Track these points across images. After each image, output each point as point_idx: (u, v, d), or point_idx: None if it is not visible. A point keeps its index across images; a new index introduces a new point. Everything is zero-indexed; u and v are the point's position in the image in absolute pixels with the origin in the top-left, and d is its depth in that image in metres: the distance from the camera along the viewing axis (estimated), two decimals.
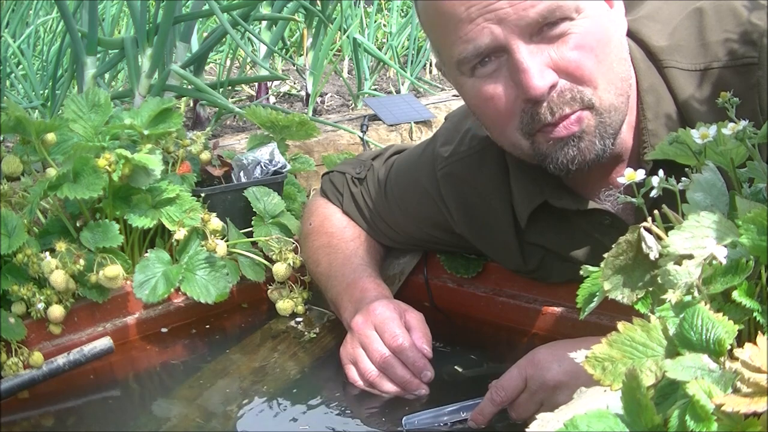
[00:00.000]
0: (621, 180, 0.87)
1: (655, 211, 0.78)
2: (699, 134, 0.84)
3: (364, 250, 1.64)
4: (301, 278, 1.76)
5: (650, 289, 0.77)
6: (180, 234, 1.63)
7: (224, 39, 3.01)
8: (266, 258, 1.76)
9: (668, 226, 0.77)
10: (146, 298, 1.60)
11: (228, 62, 3.04)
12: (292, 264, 1.72)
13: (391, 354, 1.38)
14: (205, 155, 1.87)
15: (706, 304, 0.70)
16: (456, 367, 1.47)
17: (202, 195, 1.75)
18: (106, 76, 2.68)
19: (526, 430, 0.70)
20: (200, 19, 3.04)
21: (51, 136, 1.66)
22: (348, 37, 3.39)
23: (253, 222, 1.79)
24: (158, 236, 1.70)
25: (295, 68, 3.36)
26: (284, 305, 1.71)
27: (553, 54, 1.19)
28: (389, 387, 1.38)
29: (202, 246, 1.65)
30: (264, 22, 2.97)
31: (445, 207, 1.54)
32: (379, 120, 2.79)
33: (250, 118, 1.99)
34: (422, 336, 1.40)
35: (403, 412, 1.32)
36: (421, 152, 1.59)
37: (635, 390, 0.64)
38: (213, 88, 2.50)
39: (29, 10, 3.49)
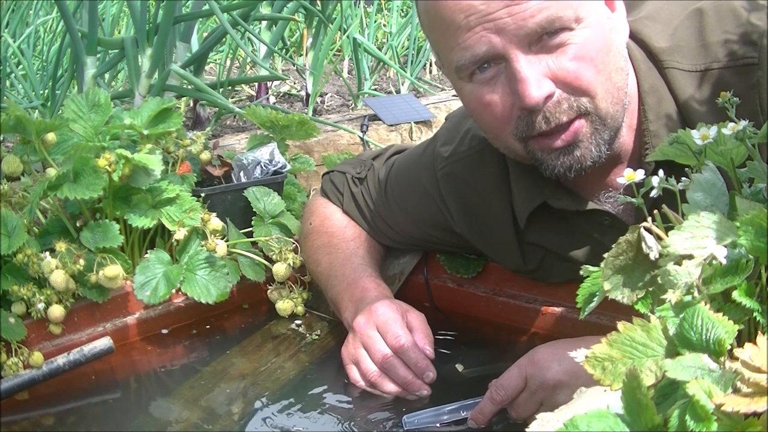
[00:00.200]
0: (621, 180, 0.87)
1: (655, 211, 0.78)
2: (699, 135, 0.84)
3: (365, 249, 1.64)
4: (301, 278, 1.76)
5: (650, 289, 0.77)
6: (180, 234, 1.63)
7: (224, 39, 3.01)
8: (266, 258, 1.76)
9: (668, 226, 0.77)
10: (147, 299, 1.60)
11: (228, 62, 3.04)
12: (292, 264, 1.72)
13: (393, 354, 1.38)
14: (205, 155, 1.87)
15: (706, 304, 0.70)
16: (457, 366, 1.47)
17: (202, 195, 1.75)
18: (106, 76, 2.68)
19: (526, 429, 0.70)
20: (200, 19, 3.04)
21: (51, 136, 1.66)
22: (348, 37, 3.39)
23: (253, 222, 1.79)
24: (158, 236, 1.70)
25: (295, 68, 3.36)
26: (284, 305, 1.71)
27: (551, 64, 1.19)
28: (391, 387, 1.38)
29: (202, 246, 1.65)
30: (264, 22, 2.97)
31: (445, 207, 1.54)
32: (379, 120, 2.79)
33: (250, 118, 1.99)
34: (424, 336, 1.40)
35: (403, 411, 1.32)
36: (422, 152, 1.59)
37: (635, 390, 0.64)
38: (213, 88, 2.50)
39: (29, 10, 3.49)
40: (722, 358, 0.66)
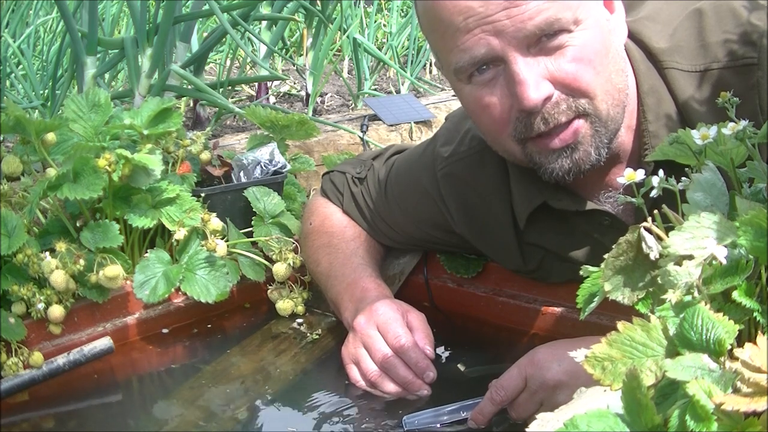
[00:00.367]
0: (621, 180, 0.87)
1: (655, 212, 0.78)
2: (699, 135, 0.84)
3: (365, 249, 1.64)
4: (301, 278, 1.76)
5: (650, 289, 0.77)
6: (180, 234, 1.63)
7: (224, 39, 3.00)
8: (266, 258, 1.76)
9: (668, 226, 0.77)
10: (147, 298, 1.60)
11: (228, 62, 3.04)
12: (292, 264, 1.72)
13: (394, 354, 1.38)
14: (205, 155, 1.87)
15: (706, 304, 0.70)
16: (458, 365, 1.47)
17: (202, 195, 1.75)
18: (106, 76, 2.68)
19: (526, 430, 0.70)
20: (200, 19, 3.04)
21: (51, 136, 1.66)
22: (348, 37, 3.39)
23: (253, 222, 1.79)
24: (158, 236, 1.70)
25: (295, 68, 3.36)
26: (284, 305, 1.71)
27: (550, 66, 1.19)
28: (391, 387, 1.38)
29: (202, 246, 1.65)
30: (264, 22, 2.97)
31: (445, 207, 1.54)
32: (379, 120, 2.79)
33: (250, 118, 1.99)
34: (424, 336, 1.40)
35: (403, 412, 1.32)
36: (422, 152, 1.59)
37: (635, 390, 0.64)
38: (213, 88, 2.50)
39: (29, 10, 3.49)
40: (722, 358, 0.66)
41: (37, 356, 1.45)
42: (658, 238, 0.76)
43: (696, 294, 0.72)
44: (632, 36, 1.32)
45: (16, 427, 1.38)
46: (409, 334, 1.39)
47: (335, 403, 1.38)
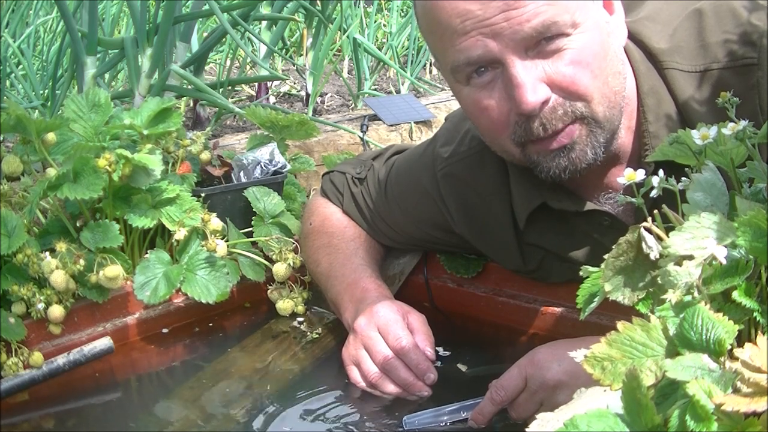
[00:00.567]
0: (621, 180, 0.87)
1: (655, 212, 0.78)
2: (699, 135, 0.84)
3: (365, 250, 1.64)
4: (301, 278, 1.76)
5: (650, 289, 0.77)
6: (180, 234, 1.63)
7: (224, 39, 3.00)
8: (266, 258, 1.76)
9: (668, 226, 0.77)
10: (147, 299, 1.60)
11: (228, 62, 3.04)
12: (292, 264, 1.72)
13: (394, 356, 1.38)
14: (205, 155, 1.87)
15: (706, 304, 0.70)
16: (458, 365, 1.47)
17: (202, 195, 1.75)
18: (106, 76, 2.68)
19: (526, 430, 0.70)
20: (200, 19, 3.04)
21: (51, 136, 1.66)
22: (348, 37, 3.39)
23: (253, 222, 1.79)
24: (158, 236, 1.70)
25: (295, 68, 3.36)
26: (284, 305, 1.71)
27: (548, 69, 1.19)
28: (391, 388, 1.38)
29: (202, 246, 1.65)
30: (264, 22, 2.97)
31: (445, 207, 1.54)
32: (379, 120, 2.79)
33: (250, 118, 1.99)
34: (425, 338, 1.40)
35: (403, 412, 1.32)
36: (422, 152, 1.59)
37: (635, 390, 0.64)
38: (213, 88, 2.50)
39: (29, 10, 3.49)
40: (722, 358, 0.66)
41: (37, 356, 1.45)
42: (658, 238, 0.76)
43: (696, 294, 0.72)
44: (632, 36, 1.31)
45: (16, 427, 1.38)
46: (409, 335, 1.39)
47: (335, 402, 1.38)
